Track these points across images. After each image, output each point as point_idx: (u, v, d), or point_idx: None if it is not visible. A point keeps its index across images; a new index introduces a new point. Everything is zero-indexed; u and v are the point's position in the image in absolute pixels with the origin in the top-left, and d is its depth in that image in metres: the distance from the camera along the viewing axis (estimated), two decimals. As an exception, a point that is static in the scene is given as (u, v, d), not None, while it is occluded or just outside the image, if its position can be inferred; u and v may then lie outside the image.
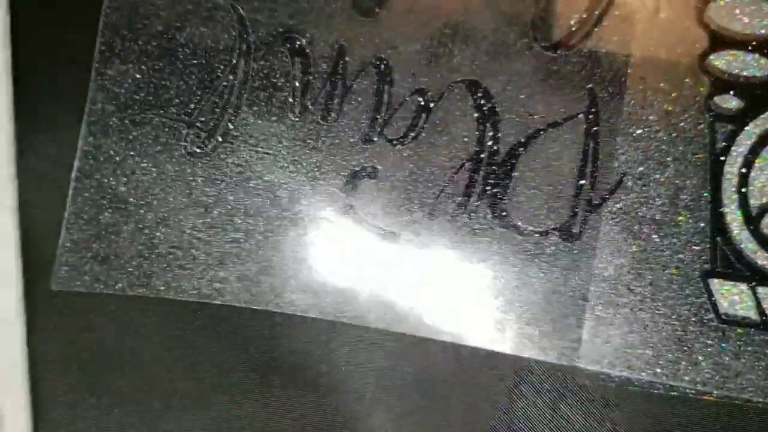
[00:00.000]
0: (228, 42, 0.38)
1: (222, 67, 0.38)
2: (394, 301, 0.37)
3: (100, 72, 0.39)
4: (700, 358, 0.35)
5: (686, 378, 0.35)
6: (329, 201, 0.38)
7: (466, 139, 0.36)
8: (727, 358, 0.35)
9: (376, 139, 0.37)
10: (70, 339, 0.42)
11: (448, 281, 0.37)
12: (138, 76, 0.39)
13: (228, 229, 0.38)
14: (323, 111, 0.37)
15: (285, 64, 0.38)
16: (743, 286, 0.35)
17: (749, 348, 0.35)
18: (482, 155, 0.36)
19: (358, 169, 0.37)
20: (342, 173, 0.37)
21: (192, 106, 0.39)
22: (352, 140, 0.37)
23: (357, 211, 0.37)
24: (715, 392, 0.34)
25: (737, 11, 0.34)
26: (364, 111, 0.37)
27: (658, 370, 0.35)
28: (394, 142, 0.37)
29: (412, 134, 0.37)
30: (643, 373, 0.35)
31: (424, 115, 0.36)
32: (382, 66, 0.37)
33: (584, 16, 0.35)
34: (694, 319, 0.35)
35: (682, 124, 0.35)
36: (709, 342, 0.35)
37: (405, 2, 0.36)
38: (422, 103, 0.36)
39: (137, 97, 0.39)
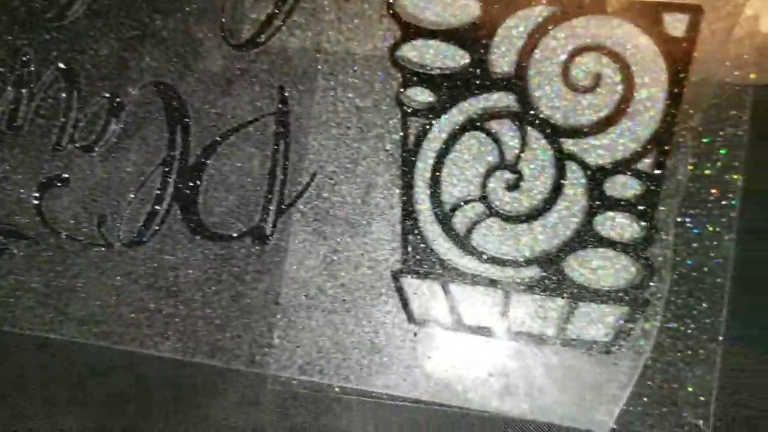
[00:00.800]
0: None
1: None
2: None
3: None
4: (391, 362, 0.33)
5: (378, 383, 0.33)
6: (20, 210, 0.36)
7: (157, 143, 0.35)
8: (418, 362, 0.33)
9: (65, 146, 0.36)
10: None
11: (138, 291, 0.35)
12: None
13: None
14: (8, 120, 0.36)
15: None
16: (435, 286, 0.33)
17: (440, 350, 0.33)
18: (173, 159, 0.35)
19: (50, 176, 0.36)
20: (32, 182, 0.36)
21: None
22: (41, 148, 0.36)
23: (48, 221, 0.35)
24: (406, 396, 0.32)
25: (427, 1, 0.34)
26: (53, 118, 0.36)
27: (350, 375, 0.33)
28: (85, 148, 0.36)
29: (103, 140, 0.35)
30: (334, 379, 0.33)
31: (114, 120, 0.35)
32: (70, 72, 0.35)
33: (274, 11, 0.34)
34: (386, 321, 0.33)
35: (373, 119, 0.34)
36: (400, 345, 0.33)
37: (94, 6, 0.35)
38: (112, 108, 0.35)
39: None
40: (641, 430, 0.32)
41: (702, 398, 0.31)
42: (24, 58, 0.36)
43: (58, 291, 0.36)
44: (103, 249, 0.35)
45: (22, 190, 0.36)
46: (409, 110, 0.33)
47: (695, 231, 0.32)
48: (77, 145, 0.35)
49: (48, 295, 0.36)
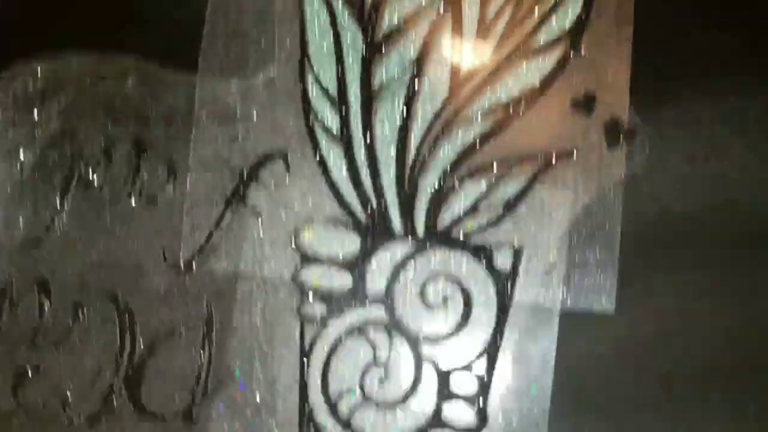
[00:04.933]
0: None
1: None
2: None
3: None
4: None
5: None
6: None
7: (112, 342, 0.45)
8: None
9: (39, 342, 0.45)
10: None
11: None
12: None
13: None
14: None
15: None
16: (326, 460, 0.43)
17: None
18: (124, 354, 0.45)
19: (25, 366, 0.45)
20: (9, 372, 0.45)
21: None
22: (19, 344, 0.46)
23: (21, 402, 0.45)
24: None
25: (320, 239, 0.44)
26: (27, 326, 0.45)
27: None
28: (55, 344, 0.45)
29: (64, 342, 0.45)
30: None
31: (76, 325, 0.45)
32: (45, 288, 0.46)
33: (203, 241, 0.45)
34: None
35: (278, 327, 0.44)
36: (296, 508, 0.43)
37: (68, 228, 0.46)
38: (75, 316, 0.45)
39: None
40: None
41: None
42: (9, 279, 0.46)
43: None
44: (65, 424, 0.45)
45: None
46: (306, 319, 0.44)
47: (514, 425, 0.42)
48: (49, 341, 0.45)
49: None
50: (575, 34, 0.43)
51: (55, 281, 0.45)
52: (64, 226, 0.45)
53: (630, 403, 0.43)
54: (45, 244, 0.45)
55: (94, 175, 0.45)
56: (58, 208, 0.45)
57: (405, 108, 0.44)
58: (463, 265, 0.43)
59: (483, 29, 0.44)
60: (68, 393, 0.45)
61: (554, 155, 0.43)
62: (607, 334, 0.43)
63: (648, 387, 0.43)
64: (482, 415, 0.42)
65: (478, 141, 0.43)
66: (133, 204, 0.45)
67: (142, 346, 0.44)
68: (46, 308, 0.45)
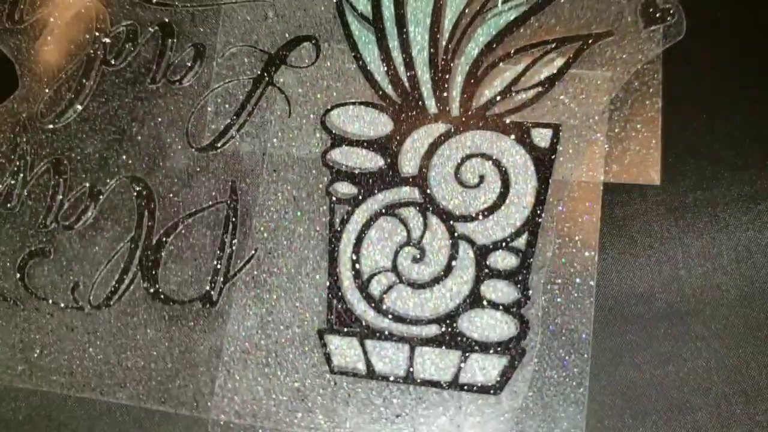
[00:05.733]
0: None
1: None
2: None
3: None
4: (314, 406, 0.39)
5: (302, 424, 0.39)
6: (3, 276, 0.43)
7: (127, 224, 0.42)
8: (338, 406, 0.39)
9: (50, 224, 0.43)
10: None
11: (103, 347, 0.41)
12: None
13: None
14: (3, 201, 0.43)
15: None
16: (354, 341, 0.40)
17: (357, 396, 0.39)
18: (140, 237, 0.42)
19: (32, 250, 0.42)
20: (18, 253, 0.43)
21: None
22: (29, 226, 0.43)
23: (28, 287, 0.42)
24: (328, 438, 0.38)
25: (351, 118, 0.43)
26: (42, 201, 0.43)
27: (279, 418, 0.39)
28: (66, 227, 0.43)
29: (82, 220, 0.43)
30: (265, 422, 0.39)
31: (93, 204, 0.43)
32: (61, 165, 0.43)
33: (230, 122, 0.43)
34: (311, 371, 0.39)
35: (307, 207, 0.42)
36: (322, 392, 0.39)
37: (80, 115, 0.44)
38: (92, 194, 0.43)
39: None
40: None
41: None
42: (20, 152, 0.43)
43: (30, 346, 0.41)
44: (74, 310, 0.42)
45: (8, 260, 0.43)
46: (335, 200, 0.42)
47: (559, 299, 0.40)
48: (61, 224, 0.43)
49: (22, 349, 0.41)
50: None
51: (72, 161, 0.43)
52: (86, 105, 0.44)
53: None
54: (63, 121, 0.44)
55: (119, 57, 0.44)
56: (79, 87, 0.44)
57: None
58: (500, 143, 0.41)
59: None
60: (80, 278, 0.42)
61: (591, 35, 0.42)
62: (653, 200, 0.41)
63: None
64: (524, 291, 0.39)
65: (514, 22, 0.42)
66: (157, 85, 0.44)
67: (161, 229, 0.42)
68: (60, 189, 0.43)
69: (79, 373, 0.41)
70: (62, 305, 0.42)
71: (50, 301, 0.42)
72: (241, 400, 0.39)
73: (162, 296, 0.41)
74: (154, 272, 0.41)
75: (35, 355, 0.42)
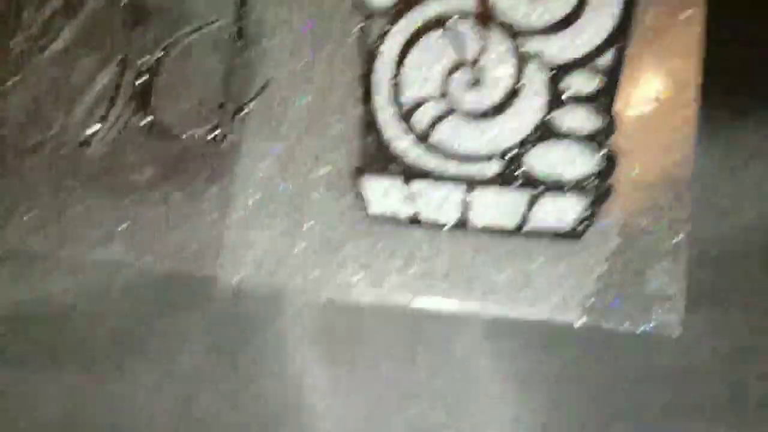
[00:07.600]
0: None
1: None
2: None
3: None
4: (347, 260, 0.32)
5: (334, 282, 0.32)
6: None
7: (115, 43, 0.35)
8: (376, 259, 0.32)
9: (12, 47, 0.35)
10: None
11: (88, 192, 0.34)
12: None
13: None
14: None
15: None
16: (395, 182, 0.32)
17: (399, 246, 0.32)
18: (130, 58, 0.34)
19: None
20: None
21: None
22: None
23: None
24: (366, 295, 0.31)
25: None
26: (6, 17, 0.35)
27: (304, 275, 0.32)
28: (39, 47, 0.35)
29: (58, 39, 0.35)
30: (287, 279, 0.32)
31: (70, 21, 0.35)
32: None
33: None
34: (344, 219, 0.32)
35: (333, 21, 0.34)
36: (358, 243, 0.32)
37: None
38: (67, 8, 0.35)
39: None
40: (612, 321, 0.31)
41: (669, 291, 0.31)
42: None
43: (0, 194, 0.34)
44: (52, 150, 0.34)
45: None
46: (370, 13, 0.34)
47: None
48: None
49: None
50: None
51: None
52: None
53: None
54: None
55: None
56: None
57: None
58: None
59: None
60: (56, 112, 0.34)
61: None
62: None
63: None
64: (609, 119, 0.32)
65: None
66: None
67: (157, 50, 0.34)
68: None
69: (61, 224, 0.34)
70: (38, 144, 0.34)
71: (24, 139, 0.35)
72: (256, 255, 0.32)
73: (158, 131, 0.34)
74: (148, 103, 0.34)
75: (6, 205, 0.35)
